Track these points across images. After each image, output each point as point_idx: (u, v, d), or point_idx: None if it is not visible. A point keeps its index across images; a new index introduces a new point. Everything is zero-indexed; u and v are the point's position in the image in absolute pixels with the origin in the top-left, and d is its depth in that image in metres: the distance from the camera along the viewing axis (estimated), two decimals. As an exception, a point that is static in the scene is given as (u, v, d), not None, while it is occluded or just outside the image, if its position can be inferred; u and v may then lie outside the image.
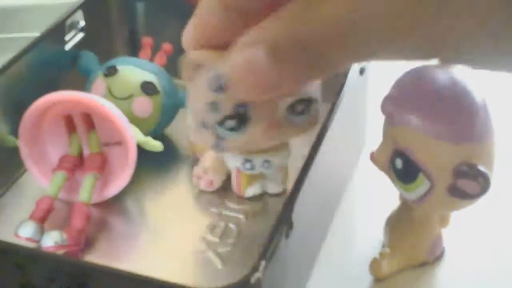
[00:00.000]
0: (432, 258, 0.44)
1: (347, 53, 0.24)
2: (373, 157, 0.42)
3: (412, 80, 0.40)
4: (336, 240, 0.46)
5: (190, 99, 0.39)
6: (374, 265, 0.42)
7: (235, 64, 0.27)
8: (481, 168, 0.37)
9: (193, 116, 0.39)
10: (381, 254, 0.43)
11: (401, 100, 0.39)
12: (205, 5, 0.28)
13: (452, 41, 0.23)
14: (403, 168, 0.39)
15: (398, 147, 0.39)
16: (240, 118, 0.39)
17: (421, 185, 0.39)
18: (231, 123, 0.39)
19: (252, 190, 0.48)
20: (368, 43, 0.23)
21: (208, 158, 0.48)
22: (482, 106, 0.38)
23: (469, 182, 0.37)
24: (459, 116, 0.37)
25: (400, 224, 0.43)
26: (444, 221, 0.43)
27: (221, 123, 0.39)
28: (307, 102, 0.41)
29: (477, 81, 0.38)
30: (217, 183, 0.48)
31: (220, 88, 0.38)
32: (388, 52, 0.24)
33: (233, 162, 0.46)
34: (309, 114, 0.42)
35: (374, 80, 0.53)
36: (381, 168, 0.41)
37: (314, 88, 0.42)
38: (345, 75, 0.45)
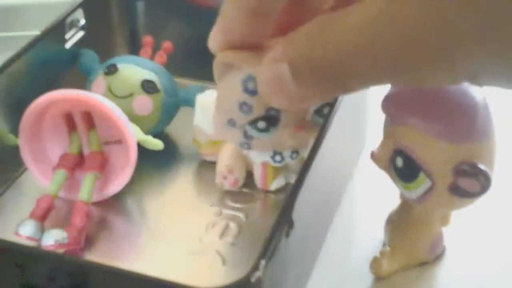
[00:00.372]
0: (432, 257, 0.44)
1: (357, 78, 0.24)
2: (374, 156, 0.42)
3: None
4: (337, 239, 0.46)
5: (220, 97, 0.39)
6: (375, 264, 0.42)
7: (263, 78, 0.28)
8: (482, 166, 0.37)
9: (222, 114, 0.39)
10: (381, 253, 0.43)
11: (402, 99, 0.39)
12: (229, 11, 0.29)
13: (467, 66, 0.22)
14: (403, 167, 0.39)
15: (398, 146, 0.39)
16: (270, 120, 0.39)
17: (421, 184, 0.39)
18: (261, 124, 0.39)
19: (277, 183, 0.48)
20: (376, 70, 0.23)
21: (229, 157, 0.48)
22: (483, 105, 0.38)
23: (470, 180, 0.37)
24: (459, 115, 0.37)
25: (400, 223, 0.43)
26: (444, 220, 0.43)
27: (251, 123, 0.39)
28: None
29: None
30: (241, 182, 0.48)
31: (253, 90, 0.38)
32: (398, 80, 0.24)
33: (262, 156, 0.45)
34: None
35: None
36: (382, 167, 0.41)
37: None
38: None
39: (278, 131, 0.40)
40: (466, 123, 0.37)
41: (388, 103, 0.39)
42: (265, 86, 0.28)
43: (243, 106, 0.39)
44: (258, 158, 0.46)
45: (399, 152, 0.39)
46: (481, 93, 0.38)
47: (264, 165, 0.46)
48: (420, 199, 0.39)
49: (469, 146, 0.37)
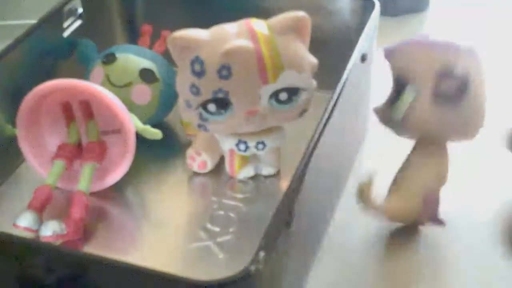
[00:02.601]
0: (426, 216, 0.44)
1: None
2: (376, 110, 0.44)
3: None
4: (339, 230, 0.46)
5: (177, 78, 0.42)
6: (359, 193, 0.44)
7: None
8: (461, 68, 0.40)
9: (180, 95, 0.42)
10: (364, 183, 0.44)
11: (399, 44, 0.43)
12: None
13: None
14: (395, 90, 0.42)
15: (397, 78, 0.42)
16: (220, 102, 0.41)
17: (408, 98, 0.41)
18: (211, 107, 0.41)
19: (245, 172, 0.47)
20: None
21: (201, 140, 0.48)
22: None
23: (450, 81, 0.40)
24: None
25: (402, 173, 0.44)
26: (439, 177, 0.43)
27: (202, 105, 0.41)
28: (292, 91, 0.42)
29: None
30: (210, 165, 0.48)
31: (199, 72, 0.40)
32: None
33: (227, 143, 0.46)
34: (296, 103, 0.43)
35: (376, 68, 0.52)
36: (383, 121, 0.44)
37: (303, 78, 0.42)
38: (347, 62, 0.45)
39: (230, 114, 0.41)
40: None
41: (389, 48, 0.43)
42: None
43: (192, 88, 0.41)
44: (225, 145, 0.47)
45: (396, 84, 0.42)
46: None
47: (232, 152, 0.46)
48: (408, 114, 0.41)
49: (449, 54, 0.41)
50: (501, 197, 0.48)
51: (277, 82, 0.42)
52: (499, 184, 0.49)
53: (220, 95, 0.41)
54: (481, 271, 0.42)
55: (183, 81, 0.42)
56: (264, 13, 0.45)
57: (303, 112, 0.44)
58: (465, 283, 0.42)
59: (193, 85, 0.41)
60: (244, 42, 0.41)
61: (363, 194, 0.43)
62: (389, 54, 0.43)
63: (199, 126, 0.44)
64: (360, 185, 0.43)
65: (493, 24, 0.66)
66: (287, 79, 0.42)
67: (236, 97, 0.41)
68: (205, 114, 0.42)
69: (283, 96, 0.42)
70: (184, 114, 0.44)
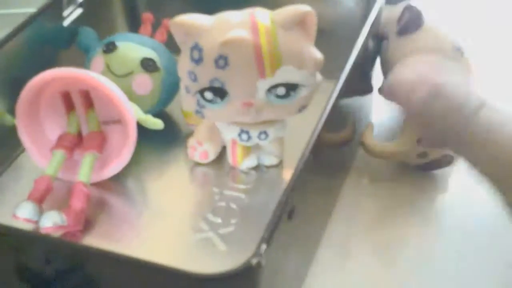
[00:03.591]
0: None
1: None
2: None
3: None
4: (340, 222, 0.45)
5: (178, 63, 0.42)
6: (363, 138, 0.47)
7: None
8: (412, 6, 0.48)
9: (181, 80, 0.42)
10: (366, 127, 0.47)
11: None
12: None
13: None
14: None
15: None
16: (217, 92, 0.41)
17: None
18: (208, 95, 0.41)
19: (248, 162, 0.47)
20: None
21: (203, 129, 0.47)
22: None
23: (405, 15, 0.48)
24: None
25: None
26: None
27: (200, 92, 0.41)
28: (291, 86, 0.42)
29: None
30: (212, 155, 0.47)
31: (197, 59, 0.40)
32: None
33: (229, 133, 0.45)
34: (295, 99, 0.42)
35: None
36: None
37: (302, 74, 0.42)
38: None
39: (227, 104, 0.41)
40: None
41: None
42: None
43: (191, 75, 0.41)
44: (227, 134, 0.46)
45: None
46: None
47: (234, 142, 0.46)
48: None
49: None
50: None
51: (275, 77, 0.41)
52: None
53: (217, 84, 0.41)
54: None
55: (183, 66, 0.42)
56: (268, 2, 0.44)
57: (302, 108, 0.43)
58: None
59: (191, 72, 0.41)
60: (243, 34, 0.40)
61: (365, 138, 0.46)
62: None
63: (197, 112, 0.43)
64: (362, 129, 0.47)
65: (491, 12, 0.66)
66: (285, 74, 0.41)
67: (232, 88, 0.41)
68: (202, 101, 0.42)
69: (281, 91, 0.42)
70: (184, 99, 0.44)
